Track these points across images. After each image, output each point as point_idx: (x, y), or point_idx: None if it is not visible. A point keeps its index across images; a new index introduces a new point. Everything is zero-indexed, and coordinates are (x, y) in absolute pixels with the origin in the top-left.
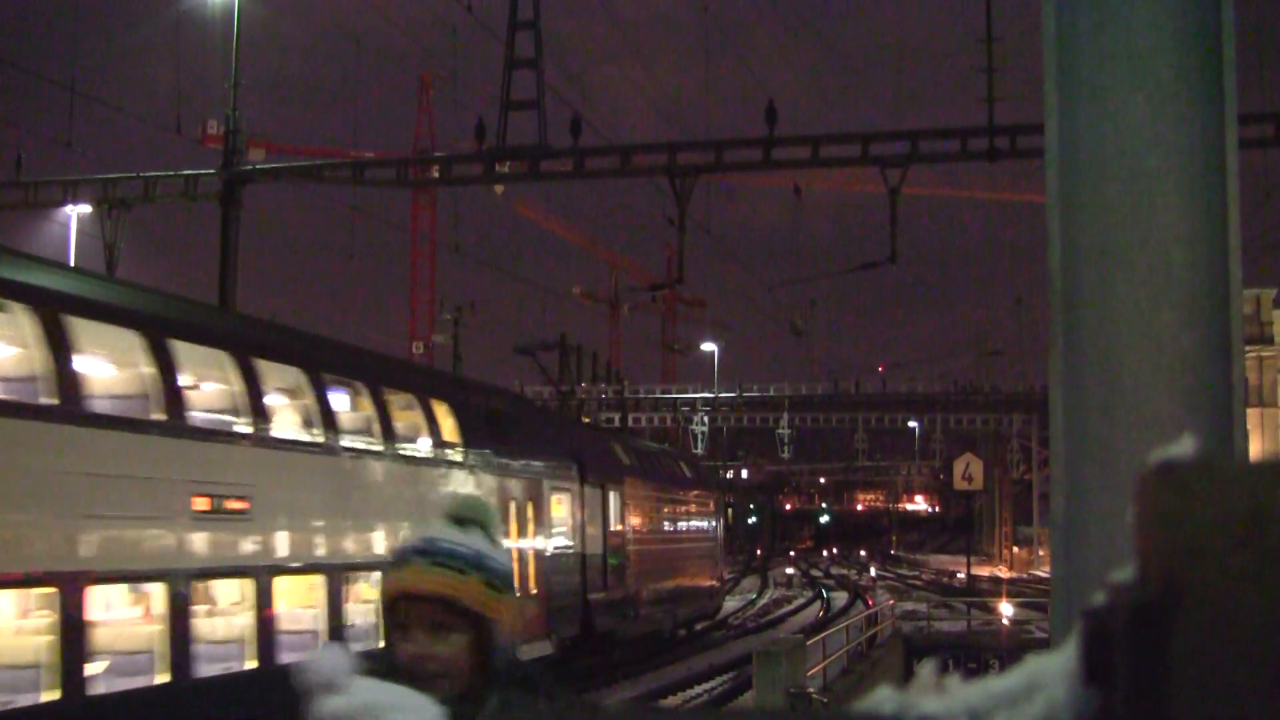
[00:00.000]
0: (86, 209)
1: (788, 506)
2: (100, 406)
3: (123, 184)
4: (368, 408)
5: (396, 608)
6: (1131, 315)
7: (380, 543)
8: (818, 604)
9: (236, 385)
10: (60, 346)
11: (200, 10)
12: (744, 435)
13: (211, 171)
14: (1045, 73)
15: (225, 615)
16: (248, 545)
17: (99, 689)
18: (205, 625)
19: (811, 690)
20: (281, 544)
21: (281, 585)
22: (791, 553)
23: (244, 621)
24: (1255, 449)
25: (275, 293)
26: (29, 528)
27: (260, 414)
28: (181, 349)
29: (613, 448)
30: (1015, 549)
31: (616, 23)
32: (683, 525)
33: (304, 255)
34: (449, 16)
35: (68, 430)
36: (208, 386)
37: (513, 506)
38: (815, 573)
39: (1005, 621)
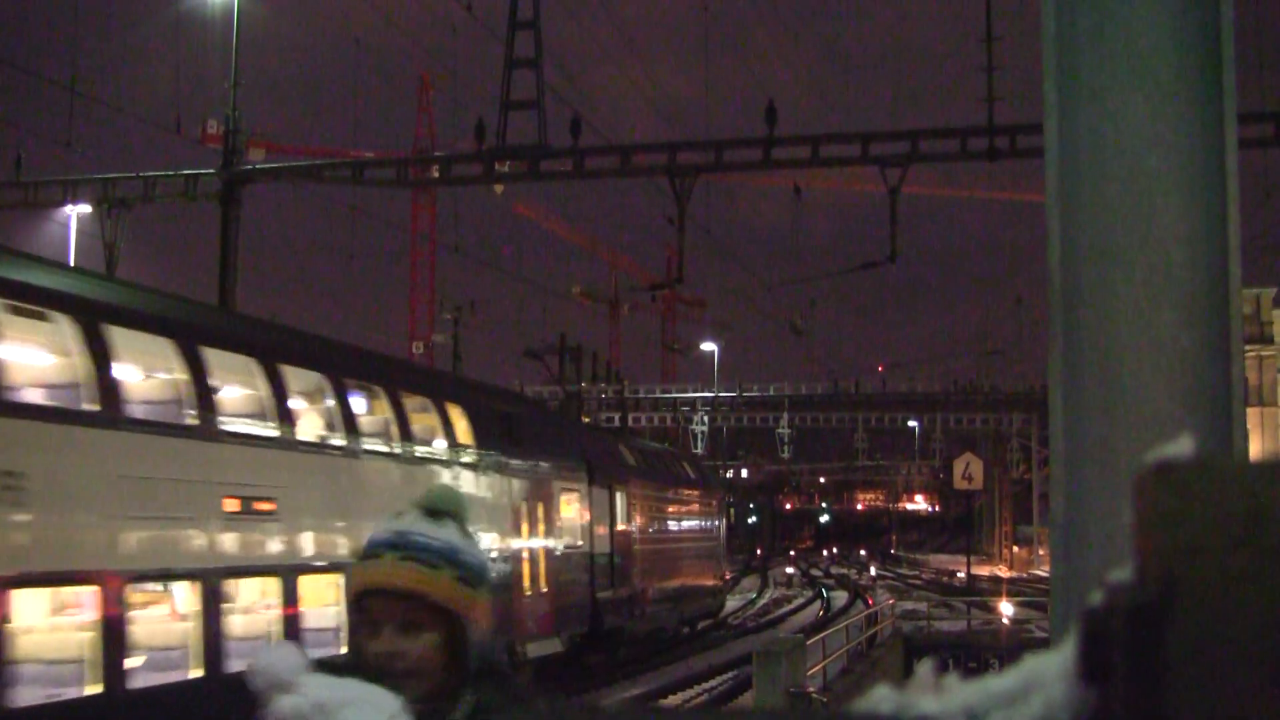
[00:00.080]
0: (86, 209)
1: (788, 506)
2: (138, 412)
3: (123, 184)
4: (386, 411)
5: (364, 603)
6: (1131, 315)
7: None
8: (818, 603)
9: (263, 390)
10: (101, 354)
11: (200, 10)
12: (744, 435)
13: (211, 171)
14: (1045, 72)
15: (254, 612)
16: (275, 545)
17: (138, 683)
18: (235, 622)
19: (811, 690)
20: (306, 543)
21: (306, 583)
22: (791, 552)
23: (271, 618)
24: (1255, 449)
25: (275, 293)
26: (74, 529)
27: (286, 418)
28: (212, 355)
29: (619, 449)
30: (1015, 548)
31: (616, 23)
32: (686, 525)
33: (304, 255)
34: (449, 16)
35: (109, 435)
36: (237, 391)
37: (524, 507)
38: (815, 572)
39: (1005, 621)
